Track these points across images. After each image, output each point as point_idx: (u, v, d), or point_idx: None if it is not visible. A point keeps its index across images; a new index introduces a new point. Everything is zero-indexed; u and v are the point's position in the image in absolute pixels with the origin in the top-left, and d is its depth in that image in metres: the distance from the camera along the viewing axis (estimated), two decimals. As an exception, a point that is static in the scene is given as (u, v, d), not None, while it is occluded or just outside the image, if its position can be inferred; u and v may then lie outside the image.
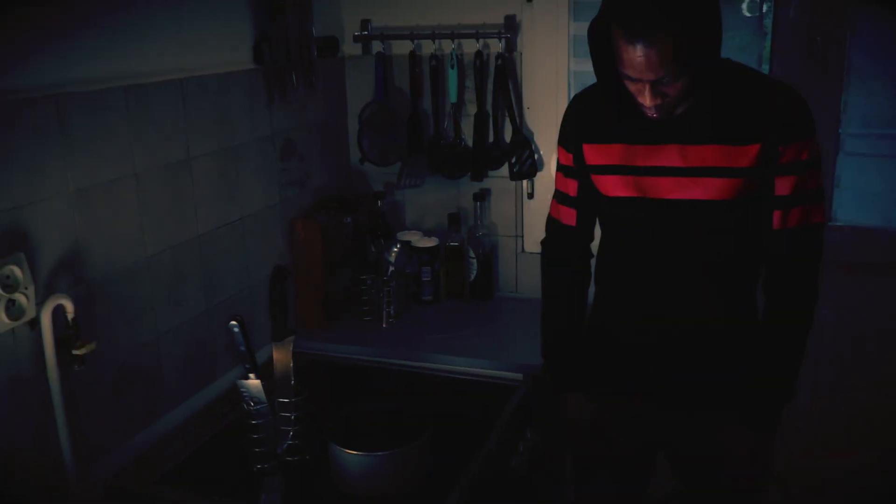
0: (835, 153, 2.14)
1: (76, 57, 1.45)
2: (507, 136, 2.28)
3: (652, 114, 1.42)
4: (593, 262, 1.70)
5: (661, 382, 1.60)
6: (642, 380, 1.62)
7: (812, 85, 2.08)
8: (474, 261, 2.36)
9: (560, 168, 1.66)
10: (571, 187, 1.63)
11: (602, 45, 1.43)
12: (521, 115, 2.27)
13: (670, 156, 1.47)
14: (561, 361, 1.70)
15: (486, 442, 1.65)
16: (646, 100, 1.38)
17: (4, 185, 1.32)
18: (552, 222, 1.70)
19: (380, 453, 1.48)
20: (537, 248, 1.83)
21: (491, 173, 2.32)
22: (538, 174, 2.27)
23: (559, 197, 1.67)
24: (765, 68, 2.14)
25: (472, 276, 2.37)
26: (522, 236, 2.36)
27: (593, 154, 1.55)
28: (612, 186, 1.54)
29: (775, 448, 1.57)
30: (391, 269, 2.19)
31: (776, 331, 1.53)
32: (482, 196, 2.33)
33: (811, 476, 2.19)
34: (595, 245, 1.69)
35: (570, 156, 1.61)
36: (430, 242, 2.34)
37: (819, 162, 1.47)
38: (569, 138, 1.61)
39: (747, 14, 2.16)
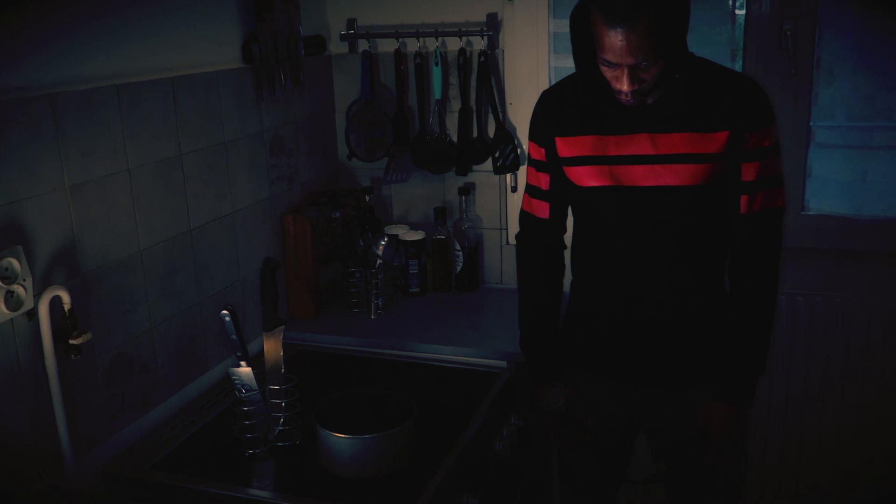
0: (806, 144, 2.21)
1: (70, 57, 1.50)
2: (491, 132, 2.34)
3: (627, 100, 1.48)
4: (566, 253, 1.75)
5: (639, 364, 1.66)
6: (620, 362, 1.69)
7: (783, 78, 2.15)
8: (460, 253, 2.41)
9: (532, 163, 1.71)
10: (543, 181, 1.69)
11: (581, 35, 1.49)
12: (504, 111, 2.33)
13: (641, 144, 1.54)
14: (539, 353, 1.75)
15: (470, 426, 1.71)
16: (623, 85, 1.44)
17: (2, 180, 1.37)
18: (525, 216, 1.75)
19: (367, 436, 1.54)
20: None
21: (475, 168, 2.39)
22: (521, 168, 2.33)
23: (531, 191, 1.72)
24: (738, 62, 2.21)
25: (458, 269, 2.43)
26: (507, 229, 2.42)
27: (565, 146, 1.60)
28: (586, 177, 1.59)
29: (749, 422, 1.64)
30: (379, 262, 2.24)
31: (746, 309, 1.60)
32: (467, 190, 2.39)
33: (784, 455, 2.26)
34: (568, 237, 1.75)
35: (542, 150, 1.66)
36: (416, 236, 2.40)
37: (779, 149, 1.54)
38: (540, 133, 1.66)
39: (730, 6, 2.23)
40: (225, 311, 1.54)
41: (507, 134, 2.31)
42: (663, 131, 1.52)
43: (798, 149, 2.19)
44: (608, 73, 1.46)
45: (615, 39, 1.38)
